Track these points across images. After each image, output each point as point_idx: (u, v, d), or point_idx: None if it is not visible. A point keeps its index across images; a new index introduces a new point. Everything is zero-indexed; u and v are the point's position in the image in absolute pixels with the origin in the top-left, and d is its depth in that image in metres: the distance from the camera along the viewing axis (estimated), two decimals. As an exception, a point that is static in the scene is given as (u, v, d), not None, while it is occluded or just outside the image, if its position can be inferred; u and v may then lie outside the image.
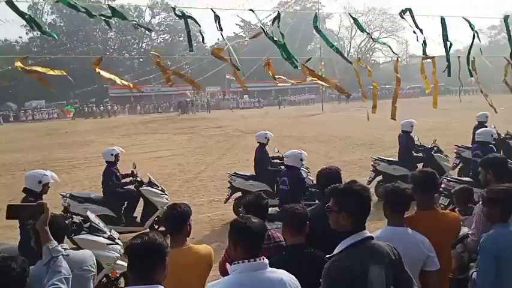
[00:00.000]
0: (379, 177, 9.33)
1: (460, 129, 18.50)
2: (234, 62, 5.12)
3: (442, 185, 6.97)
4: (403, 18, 5.17)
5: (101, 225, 5.74)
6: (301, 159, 6.22)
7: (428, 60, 5.69)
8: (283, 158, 8.28)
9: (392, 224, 2.90)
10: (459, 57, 5.52)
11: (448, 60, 5.26)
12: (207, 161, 15.63)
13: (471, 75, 5.57)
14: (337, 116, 32.03)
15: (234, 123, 30.40)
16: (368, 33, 5.65)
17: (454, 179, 7.42)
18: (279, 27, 4.86)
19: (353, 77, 6.52)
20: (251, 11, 4.63)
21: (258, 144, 8.85)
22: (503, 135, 10.06)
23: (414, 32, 5.29)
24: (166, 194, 8.02)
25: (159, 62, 5.28)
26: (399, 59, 6.50)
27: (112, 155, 7.66)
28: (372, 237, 2.35)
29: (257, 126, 26.43)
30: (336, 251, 2.31)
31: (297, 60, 5.19)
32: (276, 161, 8.86)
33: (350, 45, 73.36)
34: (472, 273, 3.28)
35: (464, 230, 3.94)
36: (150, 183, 7.97)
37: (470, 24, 5.28)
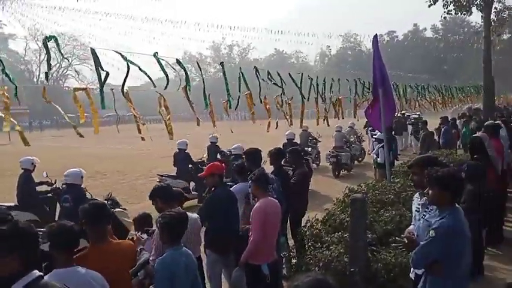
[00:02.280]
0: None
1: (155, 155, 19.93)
2: None
3: None
4: (46, 46, 4.99)
5: None
6: (82, 177, 6.51)
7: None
8: (52, 183, 8.39)
9: (60, 266, 2.63)
10: (112, 89, 5.76)
11: (101, 91, 5.36)
12: None
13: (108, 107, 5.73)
14: (29, 146, 28.41)
15: None
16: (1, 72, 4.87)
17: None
18: None
19: (46, 104, 5.93)
20: None
21: (23, 170, 8.18)
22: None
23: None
24: None
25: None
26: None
27: None
28: (42, 276, 2.13)
29: None
30: None
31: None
32: (43, 186, 8.47)
33: (39, 69, 67.70)
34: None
35: (146, 255, 4.08)
36: None
37: (123, 57, 5.60)
